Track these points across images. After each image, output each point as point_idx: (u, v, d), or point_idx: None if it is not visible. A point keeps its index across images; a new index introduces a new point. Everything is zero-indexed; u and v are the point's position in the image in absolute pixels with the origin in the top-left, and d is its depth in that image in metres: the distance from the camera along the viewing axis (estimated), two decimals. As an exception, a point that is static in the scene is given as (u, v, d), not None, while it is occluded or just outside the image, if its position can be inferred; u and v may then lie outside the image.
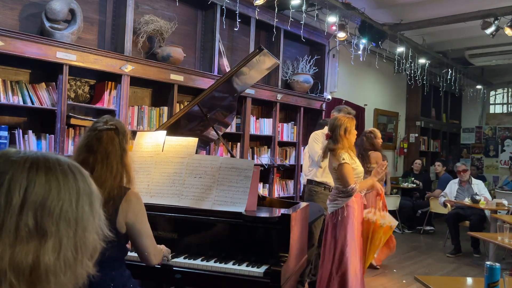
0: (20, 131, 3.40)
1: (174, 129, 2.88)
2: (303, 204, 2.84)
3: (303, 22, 5.35)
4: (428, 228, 7.68)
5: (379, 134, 5.46)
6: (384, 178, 5.31)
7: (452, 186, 6.82)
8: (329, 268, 3.35)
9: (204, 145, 3.65)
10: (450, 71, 8.67)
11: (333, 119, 3.48)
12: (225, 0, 4.71)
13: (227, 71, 4.54)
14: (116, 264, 1.82)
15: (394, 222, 3.50)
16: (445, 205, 6.70)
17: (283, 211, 2.54)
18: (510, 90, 11.10)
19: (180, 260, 2.35)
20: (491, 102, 11.44)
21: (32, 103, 3.48)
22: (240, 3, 4.85)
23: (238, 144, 5.26)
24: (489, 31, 6.04)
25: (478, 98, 10.86)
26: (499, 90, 11.32)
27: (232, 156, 3.41)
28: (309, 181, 4.17)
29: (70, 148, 3.68)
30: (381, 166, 3.53)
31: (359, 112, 7.29)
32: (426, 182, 8.41)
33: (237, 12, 4.77)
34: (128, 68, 3.98)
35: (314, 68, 6.02)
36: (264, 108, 5.84)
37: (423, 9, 6.44)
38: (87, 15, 3.98)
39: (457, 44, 8.34)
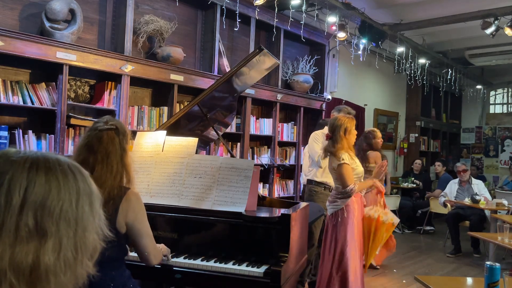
0: (20, 131, 3.40)
1: (174, 129, 2.87)
2: (303, 204, 2.84)
3: (303, 22, 5.35)
4: (428, 228, 7.68)
5: (379, 134, 5.46)
6: (384, 178, 5.31)
7: (452, 186, 6.81)
8: (329, 268, 3.35)
9: (204, 145, 3.65)
10: (450, 71, 8.67)
11: (333, 119, 3.47)
12: (225, 0, 4.71)
13: (227, 71, 4.54)
14: (116, 264, 1.82)
15: (396, 219, 3.49)
16: (445, 205, 6.69)
17: (283, 211, 2.54)
18: (510, 90, 11.10)
19: (180, 260, 2.35)
20: (491, 102, 11.44)
21: (32, 103, 3.48)
22: (240, 3, 4.85)
23: (238, 144, 5.26)
24: (489, 31, 6.04)
25: (478, 98, 10.86)
26: (499, 90, 11.32)
27: (232, 156, 3.40)
28: (309, 181, 4.18)
29: (70, 148, 3.68)
30: (381, 166, 3.53)
31: (359, 112, 7.29)
32: (426, 182, 8.40)
33: (237, 12, 4.77)
34: (128, 68, 3.98)
35: (314, 68, 6.02)
36: (264, 108, 5.84)
37: (423, 9, 6.44)
38: (87, 15, 3.98)
39: (457, 44, 8.34)
